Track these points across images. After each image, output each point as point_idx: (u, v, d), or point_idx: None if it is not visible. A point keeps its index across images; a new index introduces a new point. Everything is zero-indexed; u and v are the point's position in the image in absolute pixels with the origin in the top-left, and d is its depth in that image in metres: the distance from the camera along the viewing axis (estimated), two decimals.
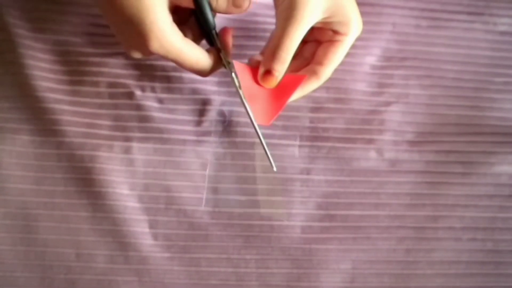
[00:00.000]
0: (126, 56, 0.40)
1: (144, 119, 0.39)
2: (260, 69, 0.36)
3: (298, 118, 0.41)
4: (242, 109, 0.40)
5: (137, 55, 0.36)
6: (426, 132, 0.42)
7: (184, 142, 0.40)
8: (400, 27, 0.44)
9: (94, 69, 0.40)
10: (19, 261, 0.38)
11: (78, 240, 0.38)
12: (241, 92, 0.36)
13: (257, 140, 0.39)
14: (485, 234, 0.41)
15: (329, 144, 0.41)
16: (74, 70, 0.40)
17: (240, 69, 0.37)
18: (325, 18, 0.36)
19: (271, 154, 0.40)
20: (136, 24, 0.33)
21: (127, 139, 0.39)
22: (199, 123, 0.40)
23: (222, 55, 0.36)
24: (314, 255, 0.40)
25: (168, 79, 0.40)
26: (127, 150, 0.39)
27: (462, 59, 0.44)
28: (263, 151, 0.39)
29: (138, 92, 0.40)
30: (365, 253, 0.40)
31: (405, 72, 0.43)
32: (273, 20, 0.43)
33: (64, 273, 0.38)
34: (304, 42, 0.37)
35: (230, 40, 0.37)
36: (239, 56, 0.39)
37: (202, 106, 0.40)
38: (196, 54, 0.35)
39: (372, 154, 0.41)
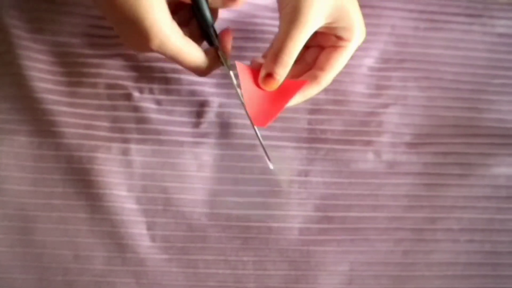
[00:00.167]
0: (125, 58, 0.40)
1: (142, 120, 0.39)
2: (261, 72, 0.36)
3: (296, 120, 0.41)
4: (240, 111, 0.40)
5: (138, 51, 0.36)
6: (424, 133, 0.42)
7: (182, 143, 0.40)
8: (399, 29, 0.44)
9: (93, 70, 0.40)
10: (16, 263, 0.38)
11: (76, 242, 0.38)
12: (239, 90, 0.36)
13: (256, 142, 0.40)
14: (483, 235, 0.41)
15: (327, 146, 0.41)
16: (73, 72, 0.40)
17: (241, 70, 0.37)
18: (328, 23, 0.36)
19: (269, 155, 0.40)
20: (136, 24, 0.33)
21: (125, 140, 0.39)
22: (197, 124, 0.40)
23: (220, 53, 0.37)
24: (312, 257, 0.40)
25: (166, 81, 0.40)
26: (125, 152, 0.39)
27: (460, 61, 0.44)
28: (262, 152, 0.40)
29: (136, 94, 0.40)
30: (363, 255, 0.40)
31: (403, 74, 0.43)
32: (272, 22, 0.43)
33: (62, 275, 0.38)
34: (307, 47, 0.37)
35: (229, 40, 0.37)
36: (238, 58, 0.40)
37: (200, 108, 0.40)
38: (195, 53, 0.36)
39: (370, 156, 0.41)
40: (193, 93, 0.41)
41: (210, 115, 0.40)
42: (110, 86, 0.40)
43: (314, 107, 0.41)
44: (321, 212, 0.40)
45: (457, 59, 0.44)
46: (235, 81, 0.36)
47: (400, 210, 0.40)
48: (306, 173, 0.40)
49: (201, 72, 0.37)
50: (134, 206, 0.39)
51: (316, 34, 0.37)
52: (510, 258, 0.41)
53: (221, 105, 0.41)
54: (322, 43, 0.38)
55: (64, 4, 0.41)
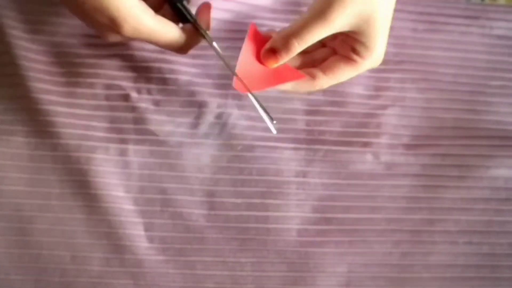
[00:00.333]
0: (123, 58, 0.40)
1: (140, 121, 0.39)
2: (267, 44, 0.36)
3: (294, 121, 0.41)
4: (240, 112, 0.40)
5: (114, 39, 0.35)
6: (422, 135, 0.42)
7: (180, 144, 0.40)
8: (397, 31, 0.44)
9: (90, 70, 0.40)
10: (13, 264, 0.38)
11: (73, 243, 0.38)
12: (220, 52, 0.36)
13: (255, 143, 0.40)
14: (481, 237, 0.41)
15: (325, 147, 0.41)
16: (70, 72, 0.40)
17: (252, 33, 0.36)
18: (351, 32, 0.35)
19: (268, 156, 0.40)
20: (102, 13, 0.32)
21: (123, 141, 0.39)
22: (195, 125, 0.40)
23: (199, 27, 0.35)
24: (310, 258, 0.40)
25: (164, 81, 0.40)
26: (123, 153, 0.39)
27: (458, 63, 0.44)
28: (260, 154, 0.40)
29: (134, 94, 0.40)
30: (361, 256, 0.40)
31: (401, 76, 0.43)
32: (271, 23, 0.43)
33: (59, 276, 0.38)
34: (322, 44, 0.37)
35: (208, 13, 0.36)
36: (237, 59, 0.39)
37: (198, 109, 0.40)
38: (170, 30, 0.34)
39: (368, 157, 0.41)
40: (191, 93, 0.40)
41: (209, 116, 0.40)
42: (107, 87, 0.40)
43: (312, 108, 0.41)
44: (319, 213, 0.40)
45: (455, 61, 0.44)
46: (220, 51, 0.36)
47: (398, 211, 0.40)
48: (304, 174, 0.40)
49: (180, 49, 0.36)
50: (132, 207, 0.39)
51: (335, 38, 0.36)
52: (508, 260, 0.41)
53: (219, 106, 0.40)
54: (338, 48, 0.37)
55: (61, 5, 0.41)
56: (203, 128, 0.40)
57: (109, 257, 0.38)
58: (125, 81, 0.40)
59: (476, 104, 0.43)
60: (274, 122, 0.37)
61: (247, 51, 0.36)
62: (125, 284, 0.38)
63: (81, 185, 0.38)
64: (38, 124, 0.38)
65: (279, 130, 0.41)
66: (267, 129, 0.40)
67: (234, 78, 0.35)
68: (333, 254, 0.40)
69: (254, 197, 0.39)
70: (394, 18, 0.44)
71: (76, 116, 0.39)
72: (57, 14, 0.41)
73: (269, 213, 0.39)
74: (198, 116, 0.40)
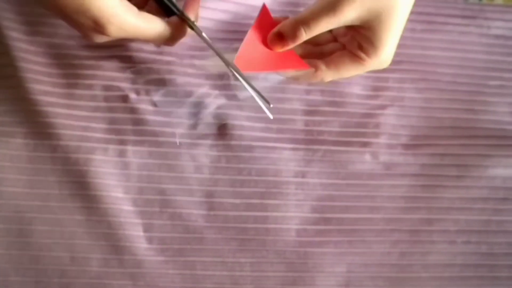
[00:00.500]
0: (121, 59, 0.40)
1: (139, 122, 0.39)
2: (275, 28, 0.36)
3: (293, 121, 0.41)
4: (239, 112, 0.40)
5: (100, 39, 0.34)
6: (421, 135, 0.42)
7: (179, 145, 0.40)
8: None
9: (89, 72, 0.40)
10: (13, 265, 0.38)
11: (72, 244, 0.38)
12: (210, 43, 0.36)
13: (254, 143, 0.40)
14: (480, 237, 0.41)
15: (324, 147, 0.41)
16: (69, 73, 0.40)
17: (264, 13, 0.36)
18: (359, 26, 0.34)
19: (267, 156, 0.40)
20: (86, 14, 0.32)
21: (122, 142, 0.39)
22: (194, 126, 0.40)
23: (185, 18, 0.35)
24: (309, 258, 0.40)
25: (162, 82, 0.40)
26: (122, 153, 0.39)
27: (457, 63, 0.44)
28: (259, 154, 0.40)
29: (132, 95, 0.40)
30: (360, 256, 0.40)
31: (400, 76, 0.43)
32: None
33: (59, 277, 0.38)
34: (334, 39, 0.38)
35: (196, 4, 0.36)
36: (229, 53, 0.39)
37: (197, 109, 0.40)
38: (154, 24, 0.34)
39: (367, 157, 0.41)
40: (189, 94, 0.40)
41: (207, 117, 0.40)
42: (106, 88, 0.40)
43: (311, 109, 0.41)
44: (318, 213, 0.40)
45: (454, 61, 0.44)
46: (209, 40, 0.36)
47: (397, 211, 0.40)
48: (303, 175, 0.40)
49: (167, 42, 0.36)
50: (131, 208, 0.39)
51: (346, 33, 0.36)
52: (506, 259, 0.41)
53: (218, 107, 0.40)
54: (346, 44, 0.37)
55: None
56: (202, 128, 0.40)
57: (108, 258, 0.38)
58: (124, 82, 0.40)
59: (474, 104, 0.43)
60: (271, 105, 0.36)
61: (255, 30, 0.36)
62: (124, 284, 0.38)
63: (80, 186, 0.38)
64: (37, 125, 0.38)
65: (278, 130, 0.41)
66: (266, 130, 0.40)
67: (236, 54, 0.35)
68: (332, 254, 0.40)
69: (253, 197, 0.39)
70: None
71: (75, 117, 0.39)
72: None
73: (268, 213, 0.39)
74: (197, 117, 0.40)
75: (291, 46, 0.36)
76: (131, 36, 0.34)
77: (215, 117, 0.40)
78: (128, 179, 0.39)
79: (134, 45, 0.40)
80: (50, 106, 0.39)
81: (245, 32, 0.37)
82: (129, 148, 0.39)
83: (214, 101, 0.41)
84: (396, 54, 0.43)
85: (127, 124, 0.39)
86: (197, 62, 0.41)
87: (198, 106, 0.40)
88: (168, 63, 0.40)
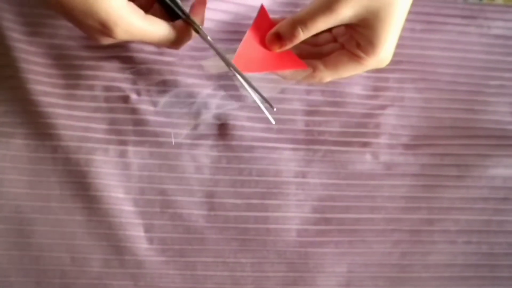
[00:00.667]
0: (122, 60, 0.40)
1: (140, 122, 0.39)
2: (273, 28, 0.36)
3: (293, 121, 0.41)
4: (239, 113, 0.40)
5: (106, 41, 0.35)
6: (421, 135, 0.42)
7: (179, 145, 0.40)
8: None
9: (89, 72, 0.40)
10: (13, 266, 0.38)
11: (73, 244, 0.38)
12: (210, 39, 0.36)
13: (254, 143, 0.40)
14: (480, 237, 0.41)
15: (325, 147, 0.41)
16: (69, 74, 0.40)
17: (262, 14, 0.37)
18: (355, 24, 0.34)
19: (267, 156, 0.40)
20: (93, 16, 0.32)
21: (123, 142, 0.39)
22: (195, 126, 0.40)
23: (191, 21, 0.35)
24: (310, 259, 0.40)
25: (163, 83, 0.40)
26: (123, 154, 0.39)
27: (457, 63, 0.44)
28: (260, 154, 0.40)
29: (133, 96, 0.40)
30: (361, 256, 0.40)
31: (400, 76, 0.43)
32: None
33: (59, 278, 0.38)
34: (334, 39, 0.38)
35: (203, 8, 0.36)
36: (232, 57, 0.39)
37: (197, 110, 0.40)
38: (160, 28, 0.35)
39: (368, 157, 0.41)
40: (190, 95, 0.41)
41: (208, 117, 0.40)
42: (107, 88, 0.40)
43: (311, 109, 0.42)
44: (318, 213, 0.40)
45: (453, 61, 0.44)
46: (214, 44, 0.36)
47: (397, 211, 0.40)
48: (303, 175, 0.40)
49: (172, 45, 0.36)
50: (132, 208, 0.39)
51: (345, 33, 0.36)
52: (507, 259, 0.41)
53: (218, 107, 0.40)
54: (345, 43, 0.37)
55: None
56: (203, 129, 0.40)
57: (109, 258, 0.38)
58: (125, 83, 0.40)
59: (474, 104, 0.43)
60: (275, 109, 0.36)
61: (253, 31, 0.37)
62: (125, 285, 0.38)
63: (80, 186, 0.38)
64: (38, 126, 0.38)
65: (278, 130, 0.41)
66: (267, 130, 0.40)
67: (236, 54, 0.36)
68: (333, 254, 0.40)
69: (253, 197, 0.39)
70: None
71: (76, 118, 0.39)
72: (56, 16, 0.41)
73: (269, 214, 0.39)
74: (198, 117, 0.40)
75: (289, 46, 0.36)
76: (137, 39, 0.34)
77: (216, 117, 0.40)
78: (129, 179, 0.39)
79: (134, 45, 0.40)
80: (50, 107, 0.39)
81: (245, 33, 0.37)
82: (130, 148, 0.39)
83: (215, 102, 0.41)
84: (396, 54, 0.43)
85: (127, 125, 0.39)
86: (198, 63, 0.41)
87: (199, 107, 0.41)
88: (169, 63, 0.40)
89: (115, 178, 0.39)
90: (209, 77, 0.41)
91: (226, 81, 0.41)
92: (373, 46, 0.35)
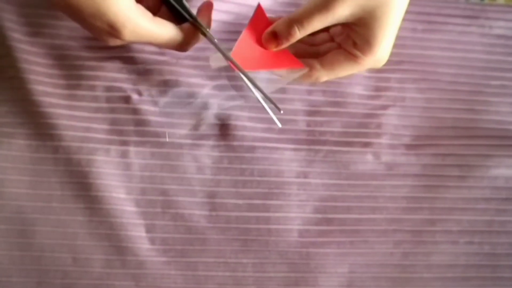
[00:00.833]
0: (123, 60, 0.40)
1: (141, 123, 0.39)
2: (270, 27, 0.36)
3: (295, 122, 0.41)
4: (241, 113, 0.40)
5: (114, 43, 0.35)
6: (422, 135, 0.42)
7: (181, 146, 0.40)
8: None
9: (91, 73, 0.40)
10: (15, 266, 0.38)
11: (74, 245, 0.38)
12: (217, 42, 0.36)
13: (256, 144, 0.40)
14: (482, 237, 0.41)
15: (326, 147, 0.41)
16: (71, 74, 0.40)
17: (259, 12, 0.37)
18: (352, 22, 0.34)
19: (269, 157, 0.40)
20: (102, 18, 0.32)
21: (124, 143, 0.39)
22: (196, 126, 0.40)
23: (198, 24, 0.35)
24: (312, 259, 0.40)
25: (165, 83, 0.40)
26: (124, 154, 0.39)
27: (458, 63, 0.44)
28: (261, 154, 0.40)
29: (135, 96, 0.40)
30: (363, 256, 0.40)
31: (401, 76, 0.43)
32: None
33: (61, 278, 0.38)
34: (331, 39, 0.38)
35: (209, 10, 0.36)
36: None
37: (199, 110, 0.40)
38: (167, 30, 0.35)
39: (369, 157, 0.41)
40: (191, 95, 0.41)
41: (209, 117, 0.40)
42: (108, 89, 0.40)
43: (312, 109, 0.41)
44: (320, 214, 0.40)
45: (455, 61, 0.44)
46: (221, 46, 0.36)
47: (399, 211, 0.40)
48: (305, 175, 0.40)
49: (179, 47, 0.36)
50: (133, 209, 0.39)
51: (342, 32, 0.36)
52: (509, 259, 0.41)
53: (220, 107, 0.40)
54: (342, 43, 0.37)
55: None
56: (204, 129, 0.40)
57: (110, 259, 0.38)
58: (126, 83, 0.40)
59: (476, 104, 0.43)
60: (281, 111, 0.36)
61: (250, 30, 0.37)
62: (127, 285, 0.38)
63: (82, 187, 0.38)
64: (39, 126, 0.38)
65: (280, 130, 0.41)
66: (268, 130, 0.40)
67: (231, 52, 0.35)
68: (335, 254, 0.40)
69: (255, 198, 0.39)
70: None
71: (77, 118, 0.39)
72: (57, 17, 0.41)
73: (271, 214, 0.39)
74: (199, 117, 0.40)
75: (285, 45, 0.36)
76: (144, 41, 0.34)
77: (217, 117, 0.40)
78: (130, 180, 0.39)
79: (136, 46, 0.41)
80: (52, 107, 0.39)
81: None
82: (131, 149, 0.39)
83: (216, 102, 0.41)
84: (397, 54, 0.43)
85: (129, 125, 0.39)
86: (199, 63, 0.41)
87: (200, 107, 0.41)
88: (170, 63, 0.40)
89: (116, 179, 0.39)
90: (211, 77, 0.41)
91: (227, 81, 0.41)
92: (370, 45, 0.35)
